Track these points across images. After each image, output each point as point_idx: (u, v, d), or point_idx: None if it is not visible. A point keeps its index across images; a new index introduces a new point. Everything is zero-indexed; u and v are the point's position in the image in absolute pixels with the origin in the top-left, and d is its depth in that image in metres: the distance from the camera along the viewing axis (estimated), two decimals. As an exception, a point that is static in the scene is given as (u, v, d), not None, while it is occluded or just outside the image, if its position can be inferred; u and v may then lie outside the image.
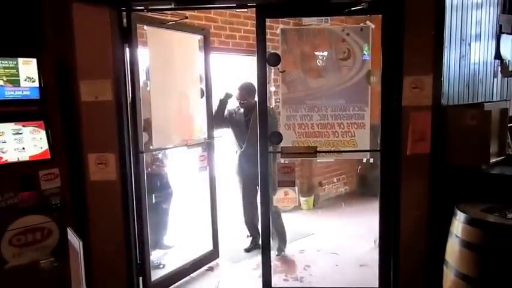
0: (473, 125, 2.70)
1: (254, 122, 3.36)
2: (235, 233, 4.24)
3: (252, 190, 3.87)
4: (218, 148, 3.79)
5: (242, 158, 3.86)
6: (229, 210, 4.47)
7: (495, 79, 3.74)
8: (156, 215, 3.71)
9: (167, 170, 3.76)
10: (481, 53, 3.45)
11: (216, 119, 3.76)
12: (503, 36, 3.69)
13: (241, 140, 3.87)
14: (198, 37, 3.49)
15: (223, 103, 3.85)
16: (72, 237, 2.32)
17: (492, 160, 2.75)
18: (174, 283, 3.28)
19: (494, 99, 3.72)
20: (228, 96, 3.86)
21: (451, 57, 2.96)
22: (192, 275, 3.45)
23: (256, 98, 2.99)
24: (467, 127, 2.72)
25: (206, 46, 3.55)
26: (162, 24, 3.06)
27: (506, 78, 3.93)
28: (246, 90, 3.78)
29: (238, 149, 3.90)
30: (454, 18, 2.98)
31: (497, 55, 3.68)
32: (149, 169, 3.44)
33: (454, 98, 3.06)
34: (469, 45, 3.22)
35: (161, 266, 3.50)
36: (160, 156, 3.67)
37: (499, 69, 3.76)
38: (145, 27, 2.95)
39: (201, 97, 3.54)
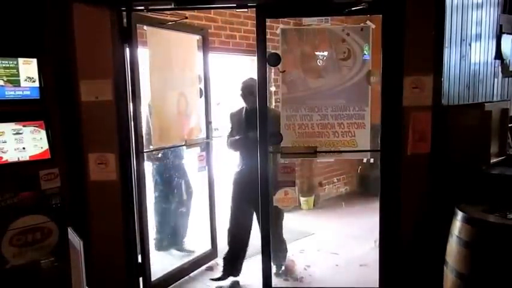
0: (473, 125, 2.70)
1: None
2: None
3: (248, 214, 3.32)
4: (217, 148, 3.79)
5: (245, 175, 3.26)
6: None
7: (495, 79, 3.74)
8: (176, 216, 3.76)
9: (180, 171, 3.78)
10: (481, 53, 3.45)
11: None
12: (504, 36, 3.68)
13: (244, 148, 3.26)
14: (197, 37, 3.49)
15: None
16: (73, 237, 2.33)
17: (492, 160, 2.75)
18: (174, 283, 3.28)
19: (494, 99, 3.71)
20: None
21: (451, 57, 2.95)
22: (191, 274, 3.45)
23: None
24: (468, 127, 2.72)
25: (205, 46, 3.55)
26: (161, 24, 3.06)
27: (506, 78, 3.93)
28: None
29: (240, 163, 3.30)
30: (454, 18, 2.98)
31: (498, 55, 3.68)
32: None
33: (455, 98, 3.06)
34: (470, 45, 3.22)
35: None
36: (160, 155, 3.68)
37: (500, 69, 3.76)
38: (145, 27, 2.96)
39: (200, 97, 3.54)
